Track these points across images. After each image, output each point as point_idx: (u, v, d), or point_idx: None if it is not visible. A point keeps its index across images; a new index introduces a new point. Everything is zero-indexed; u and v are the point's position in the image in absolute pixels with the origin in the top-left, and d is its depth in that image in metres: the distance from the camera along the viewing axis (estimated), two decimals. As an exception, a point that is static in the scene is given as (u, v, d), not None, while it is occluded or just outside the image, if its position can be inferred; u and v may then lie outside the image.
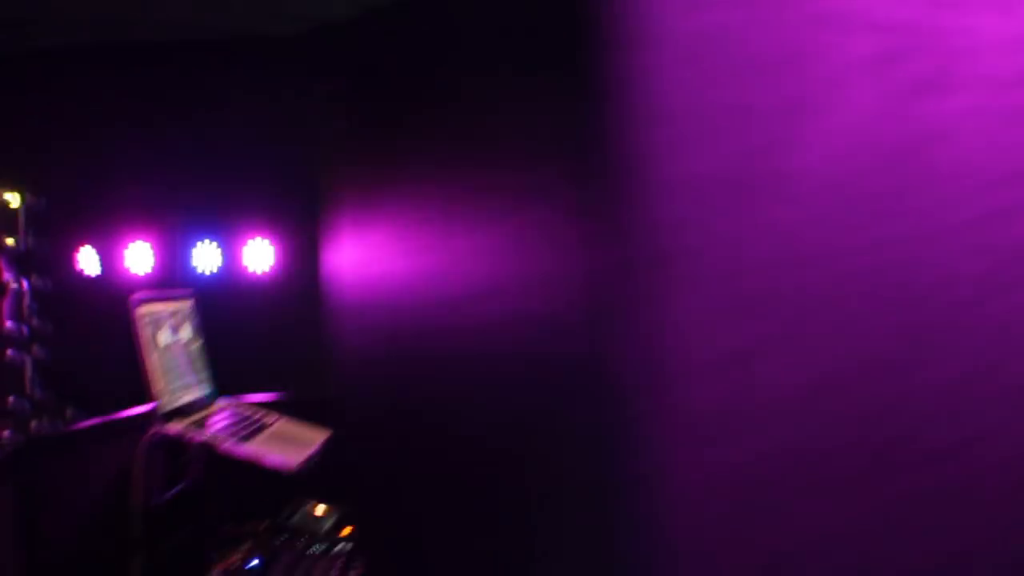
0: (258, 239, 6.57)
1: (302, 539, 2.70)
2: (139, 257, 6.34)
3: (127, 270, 6.27)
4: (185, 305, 2.65)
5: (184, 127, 4.42)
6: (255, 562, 2.56)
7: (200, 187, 4.64)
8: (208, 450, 2.39)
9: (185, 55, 4.31)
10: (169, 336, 2.50)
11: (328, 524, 2.78)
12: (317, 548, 2.66)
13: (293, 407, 2.84)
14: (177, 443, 2.38)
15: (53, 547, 2.25)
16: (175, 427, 2.34)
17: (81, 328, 4.38)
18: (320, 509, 2.86)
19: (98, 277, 6.22)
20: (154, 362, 2.37)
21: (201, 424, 2.42)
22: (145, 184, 4.73)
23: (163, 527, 2.42)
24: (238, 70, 4.09)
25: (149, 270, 6.39)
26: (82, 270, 6.05)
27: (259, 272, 6.75)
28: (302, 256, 7.92)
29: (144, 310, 2.39)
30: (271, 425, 2.62)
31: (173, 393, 2.44)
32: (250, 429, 2.52)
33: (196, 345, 2.69)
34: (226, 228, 6.58)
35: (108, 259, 6.15)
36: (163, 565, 2.40)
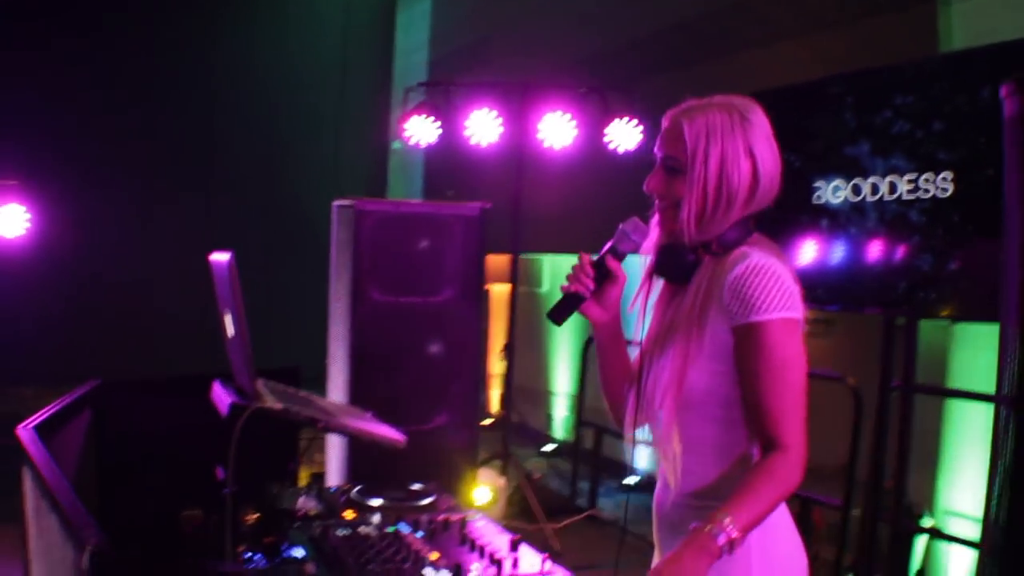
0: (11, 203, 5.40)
1: (316, 522, 2.53)
2: None
3: None
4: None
5: None
6: (296, 551, 2.37)
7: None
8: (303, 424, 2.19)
9: None
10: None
11: (318, 506, 2.62)
12: (342, 531, 2.51)
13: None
14: (272, 418, 2.14)
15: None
16: (275, 402, 2.12)
17: None
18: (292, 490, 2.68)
19: None
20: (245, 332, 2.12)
21: (291, 399, 2.21)
22: None
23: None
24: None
25: None
26: None
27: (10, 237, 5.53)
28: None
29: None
30: (321, 401, 2.43)
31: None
32: (319, 404, 2.33)
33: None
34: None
35: None
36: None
